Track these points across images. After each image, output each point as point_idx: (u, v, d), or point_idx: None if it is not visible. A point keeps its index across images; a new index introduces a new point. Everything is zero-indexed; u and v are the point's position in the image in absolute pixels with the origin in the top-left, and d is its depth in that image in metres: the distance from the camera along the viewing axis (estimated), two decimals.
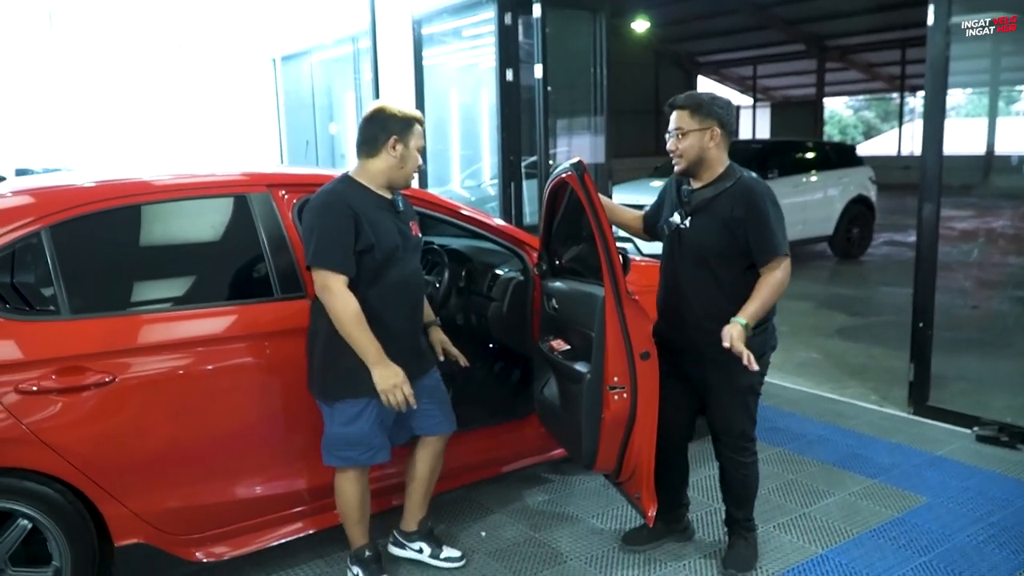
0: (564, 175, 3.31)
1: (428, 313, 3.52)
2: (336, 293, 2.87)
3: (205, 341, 3.07)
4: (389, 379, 2.93)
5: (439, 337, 3.54)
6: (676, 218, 3.23)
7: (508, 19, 7.36)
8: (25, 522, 2.76)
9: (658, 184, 3.68)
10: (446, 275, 4.11)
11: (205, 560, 3.13)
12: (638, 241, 6.15)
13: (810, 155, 11.88)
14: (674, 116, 3.17)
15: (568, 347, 3.46)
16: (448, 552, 3.46)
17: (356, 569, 3.23)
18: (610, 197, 5.98)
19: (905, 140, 30.87)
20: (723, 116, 3.13)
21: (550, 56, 7.21)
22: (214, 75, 12.79)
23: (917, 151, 5.28)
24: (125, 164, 4.83)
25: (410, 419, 3.22)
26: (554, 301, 3.59)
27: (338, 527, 3.29)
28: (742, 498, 3.38)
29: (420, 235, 3.26)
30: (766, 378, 3.24)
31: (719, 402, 3.27)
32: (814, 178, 11.37)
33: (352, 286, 2.91)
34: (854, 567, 3.39)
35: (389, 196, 3.10)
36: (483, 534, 3.72)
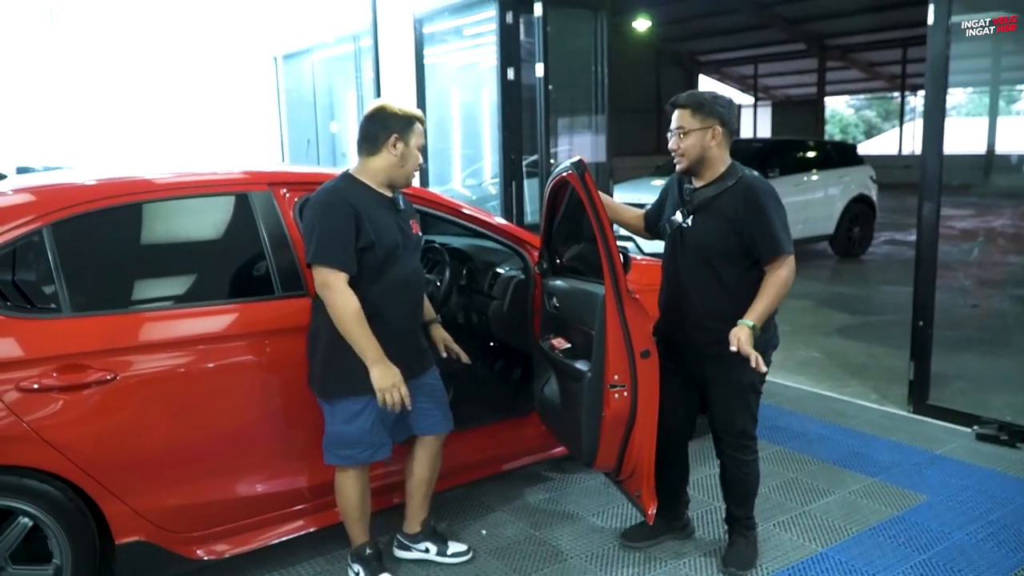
0: (565, 174, 3.31)
1: (429, 311, 3.53)
2: (337, 290, 2.88)
3: (206, 339, 3.07)
4: (387, 378, 2.93)
5: (440, 335, 3.55)
6: (678, 217, 3.24)
7: (509, 18, 7.36)
8: (26, 520, 2.76)
9: (659, 183, 3.68)
10: (447, 273, 4.11)
11: (206, 558, 3.13)
12: (639, 240, 6.16)
13: (811, 154, 11.89)
14: (676, 115, 3.18)
15: (569, 345, 3.46)
16: (454, 548, 3.47)
17: (357, 567, 3.24)
18: (611, 196, 5.99)
19: (906, 139, 30.88)
20: (725, 115, 3.14)
21: (551, 55, 7.22)
22: (215, 73, 12.80)
23: (918, 150, 5.27)
24: (126, 162, 4.83)
25: (409, 418, 3.22)
26: (555, 299, 3.60)
27: (339, 525, 3.29)
28: (742, 496, 3.39)
29: (420, 233, 3.27)
30: (767, 377, 3.24)
31: (720, 400, 3.28)
32: (815, 177, 11.37)
33: (353, 284, 2.92)
34: (854, 565, 3.39)
35: (390, 194, 3.10)
36: (484, 532, 3.73)
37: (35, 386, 2.72)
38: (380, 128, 3.03)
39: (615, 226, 3.52)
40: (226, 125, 12.64)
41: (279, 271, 3.24)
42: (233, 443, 3.16)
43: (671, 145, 3.20)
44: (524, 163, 7.59)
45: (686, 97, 3.18)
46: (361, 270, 2.95)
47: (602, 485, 4.14)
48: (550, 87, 7.24)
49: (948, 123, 4.95)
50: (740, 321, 2.98)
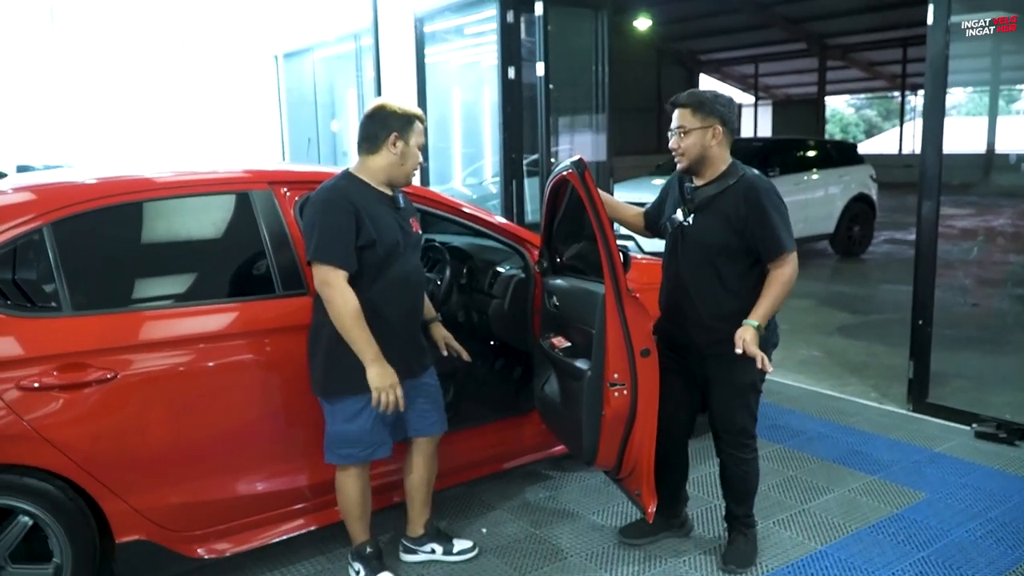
0: (565, 173, 3.31)
1: (429, 310, 3.53)
2: (337, 288, 2.88)
3: (207, 338, 3.08)
4: (385, 378, 2.93)
5: (441, 333, 3.55)
6: (679, 215, 3.24)
7: (510, 17, 7.37)
8: (26, 519, 2.76)
9: (660, 182, 3.69)
10: (447, 272, 4.12)
11: (207, 556, 3.13)
12: (639, 239, 6.16)
13: (811, 153, 11.88)
14: (676, 114, 3.18)
15: (569, 344, 3.47)
16: (460, 545, 3.48)
17: (357, 565, 3.24)
18: (612, 195, 5.99)
19: (906, 138, 30.88)
20: (725, 114, 3.14)
21: (552, 54, 7.22)
22: (216, 72, 12.80)
23: (918, 149, 5.28)
24: (127, 161, 4.84)
25: (407, 418, 3.22)
26: (555, 298, 3.60)
27: (339, 524, 3.30)
28: (742, 494, 3.39)
29: (420, 232, 3.27)
30: (767, 375, 3.24)
31: (720, 399, 3.28)
32: (815, 176, 11.37)
33: (354, 282, 2.92)
34: (853, 562, 3.40)
35: (390, 193, 3.11)
36: (484, 530, 3.73)
37: (35, 385, 2.72)
38: (380, 127, 3.03)
39: (615, 225, 3.53)
40: (227, 124, 12.64)
41: (280, 270, 3.24)
42: (234, 442, 3.16)
43: (672, 144, 3.20)
44: (525, 162, 7.60)
45: (686, 96, 3.19)
46: (362, 268, 2.95)
47: (602, 483, 4.14)
48: (551, 86, 7.24)
49: (948, 122, 4.95)
50: (745, 322, 2.99)
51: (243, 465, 3.21)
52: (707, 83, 32.55)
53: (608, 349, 3.13)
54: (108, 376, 2.83)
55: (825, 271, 10.92)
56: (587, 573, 3.38)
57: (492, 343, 4.47)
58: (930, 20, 4.85)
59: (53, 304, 2.84)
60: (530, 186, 7.65)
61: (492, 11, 7.54)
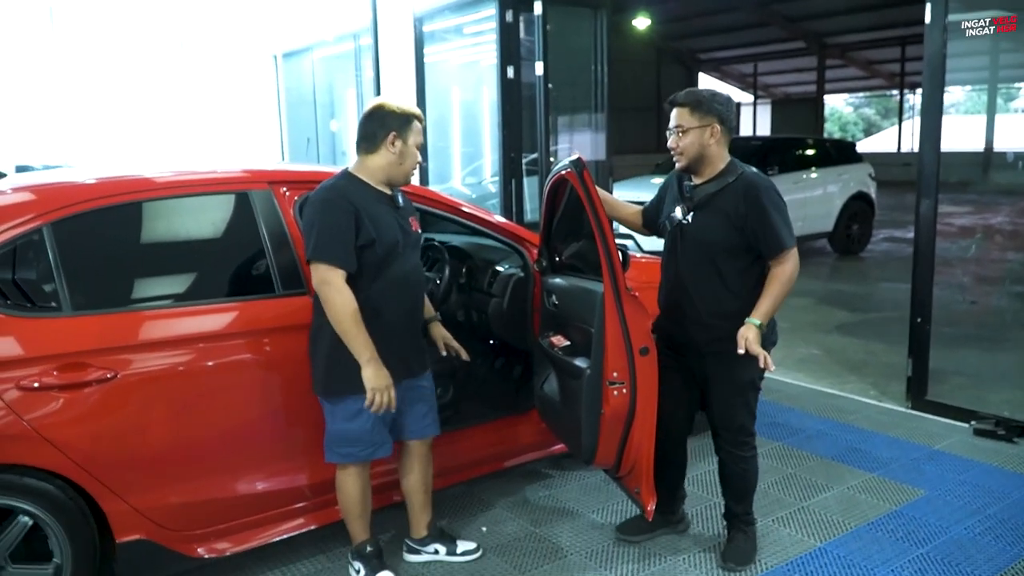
0: (563, 172, 3.32)
1: (429, 309, 3.54)
2: (335, 288, 2.88)
3: (207, 337, 3.08)
4: (381, 379, 2.93)
5: (440, 332, 3.55)
6: (678, 213, 3.25)
7: (509, 16, 7.38)
8: (26, 519, 2.76)
9: (659, 181, 3.69)
10: (447, 271, 4.12)
11: (207, 556, 3.13)
12: (639, 237, 6.17)
13: (810, 152, 11.88)
14: (674, 113, 3.19)
15: (568, 343, 3.47)
16: (463, 546, 3.49)
17: (358, 564, 3.25)
18: (611, 194, 5.99)
19: (905, 137, 30.86)
20: (723, 113, 3.15)
21: (551, 53, 7.24)
22: (215, 72, 12.81)
23: (917, 148, 5.30)
24: (126, 161, 4.84)
25: (403, 420, 3.23)
26: (554, 297, 3.61)
27: (340, 523, 3.30)
28: (741, 492, 3.40)
29: (420, 231, 3.27)
30: (766, 373, 3.25)
31: (719, 397, 3.29)
32: (814, 175, 11.37)
33: (354, 282, 2.92)
34: (852, 559, 3.40)
35: (389, 192, 3.11)
36: (484, 529, 3.74)
37: (35, 385, 2.72)
38: (378, 126, 3.03)
39: (614, 224, 3.54)
40: (226, 123, 12.64)
41: (279, 269, 3.25)
42: (234, 441, 3.17)
43: (670, 143, 3.21)
44: (524, 161, 7.61)
45: (684, 95, 3.19)
46: (361, 268, 2.95)
47: (602, 482, 4.15)
48: (550, 85, 7.25)
49: (946, 121, 4.96)
50: (747, 320, 3.00)
51: (243, 464, 3.21)
52: (706, 82, 32.54)
53: (607, 348, 3.14)
54: (108, 376, 2.83)
55: (824, 269, 10.93)
56: (587, 571, 3.39)
57: (491, 342, 4.47)
58: (928, 19, 4.86)
59: (53, 304, 2.84)
60: (529, 185, 7.66)
61: (491, 10, 7.56)
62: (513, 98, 7.44)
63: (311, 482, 3.33)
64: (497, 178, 7.81)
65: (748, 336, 2.96)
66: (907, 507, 3.87)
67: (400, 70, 8.75)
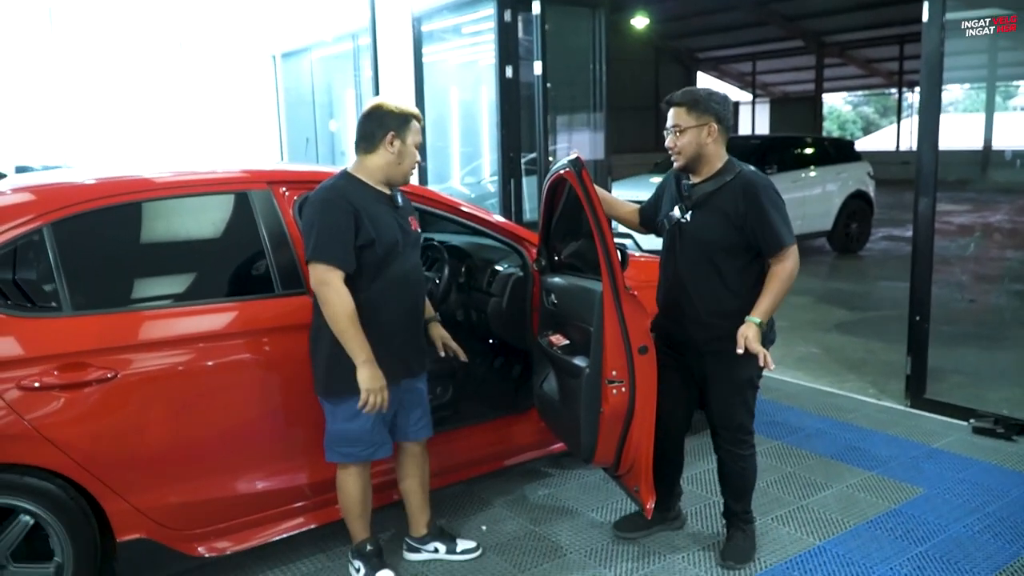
0: (562, 171, 3.32)
1: (428, 309, 3.54)
2: (334, 288, 2.88)
3: (206, 337, 3.09)
4: (376, 380, 2.93)
5: (439, 332, 3.56)
6: (676, 212, 3.25)
7: (508, 16, 7.38)
8: (27, 518, 2.77)
9: (658, 180, 3.70)
10: (446, 271, 4.13)
11: (207, 555, 3.14)
12: (638, 236, 6.18)
13: (809, 151, 11.89)
14: (671, 113, 3.19)
15: (567, 342, 3.48)
16: (463, 545, 3.49)
17: (358, 563, 3.26)
18: (610, 193, 6.00)
19: (904, 135, 30.85)
20: (720, 111, 3.15)
21: (550, 53, 7.24)
22: (214, 72, 12.81)
23: (915, 146, 5.32)
24: (125, 161, 4.85)
25: (400, 421, 3.24)
26: (553, 296, 3.61)
27: (340, 522, 3.31)
28: (740, 491, 3.41)
29: (419, 230, 3.28)
30: (765, 372, 3.26)
31: (718, 395, 3.29)
32: (813, 173, 11.38)
33: (353, 281, 2.93)
34: (851, 558, 3.41)
35: (388, 192, 3.11)
36: (484, 528, 3.74)
37: (36, 384, 2.73)
38: (377, 126, 3.04)
39: (613, 222, 3.54)
40: (225, 124, 12.64)
41: (279, 269, 3.25)
42: (234, 440, 3.17)
43: (668, 143, 3.21)
44: (523, 161, 7.61)
45: (681, 95, 3.20)
46: (361, 268, 2.96)
47: (601, 481, 4.15)
48: (548, 85, 7.25)
49: (944, 119, 4.97)
50: (747, 318, 3.00)
51: (243, 464, 3.22)
52: (705, 81, 32.54)
53: (606, 346, 3.15)
54: (108, 375, 2.84)
55: (823, 268, 10.93)
56: (586, 570, 3.39)
57: (491, 341, 4.48)
58: (925, 17, 4.87)
59: (53, 304, 2.85)
60: (528, 185, 7.67)
61: (490, 10, 7.56)
62: (512, 98, 7.44)
63: (311, 481, 3.34)
64: (496, 178, 7.81)
65: (748, 334, 2.97)
66: (906, 505, 3.88)
67: (399, 70, 8.75)
